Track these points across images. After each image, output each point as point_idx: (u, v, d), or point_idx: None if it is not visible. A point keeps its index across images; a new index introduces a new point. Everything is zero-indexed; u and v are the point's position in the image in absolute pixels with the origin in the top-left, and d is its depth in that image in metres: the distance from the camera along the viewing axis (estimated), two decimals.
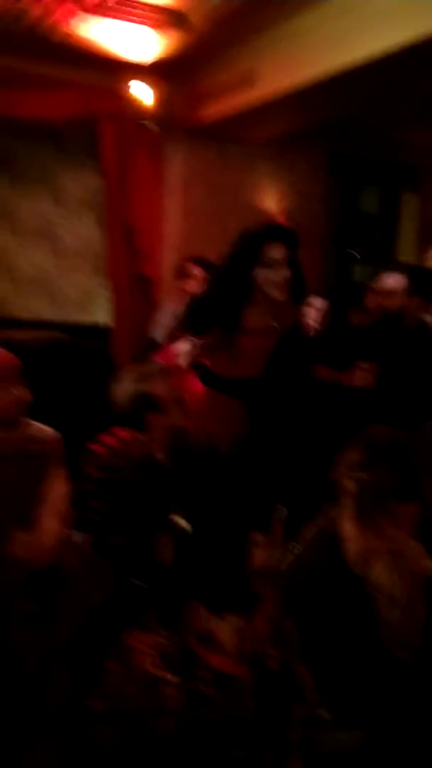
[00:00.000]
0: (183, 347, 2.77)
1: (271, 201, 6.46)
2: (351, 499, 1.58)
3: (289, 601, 1.50)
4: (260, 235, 2.74)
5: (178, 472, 2.35)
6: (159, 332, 4.43)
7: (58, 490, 1.33)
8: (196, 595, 1.28)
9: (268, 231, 2.80)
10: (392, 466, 1.56)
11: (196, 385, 3.00)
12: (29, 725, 1.21)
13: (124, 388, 2.32)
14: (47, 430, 2.22)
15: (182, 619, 1.26)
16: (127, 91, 5.30)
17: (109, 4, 4.04)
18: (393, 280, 2.87)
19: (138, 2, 4.02)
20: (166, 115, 5.48)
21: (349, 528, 1.60)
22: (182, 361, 2.73)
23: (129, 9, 4.09)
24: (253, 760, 1.30)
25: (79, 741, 1.19)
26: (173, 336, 4.58)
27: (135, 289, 5.82)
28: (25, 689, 1.21)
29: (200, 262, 4.38)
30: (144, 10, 4.11)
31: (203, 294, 2.97)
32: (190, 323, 2.94)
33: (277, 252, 2.68)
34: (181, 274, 4.44)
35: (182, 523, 1.26)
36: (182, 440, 2.46)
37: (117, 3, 4.02)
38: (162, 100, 5.38)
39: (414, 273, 2.91)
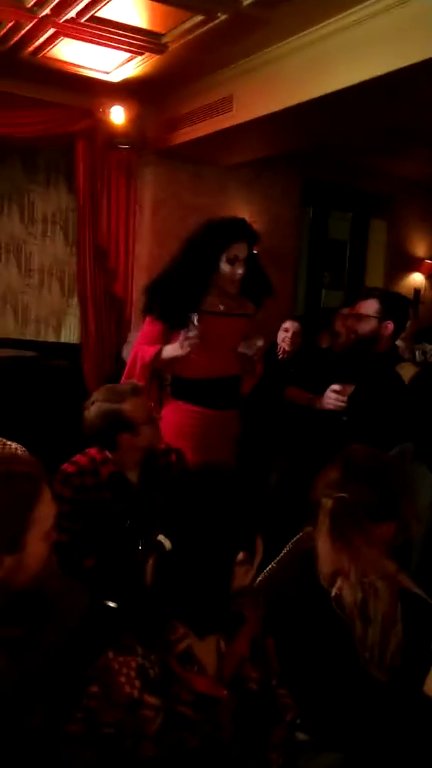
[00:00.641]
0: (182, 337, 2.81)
1: None
2: (326, 517, 1.58)
3: (267, 620, 1.49)
4: (228, 232, 2.85)
5: (149, 492, 2.33)
6: (129, 352, 4.41)
7: (45, 512, 1.30)
8: (177, 615, 1.26)
9: (236, 229, 2.89)
10: (370, 485, 1.56)
11: (168, 405, 3.01)
12: (7, 751, 1.17)
13: (95, 407, 2.29)
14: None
15: (162, 640, 1.23)
16: (102, 112, 5.32)
17: (85, 26, 4.06)
18: (367, 305, 2.90)
19: (114, 23, 4.05)
20: (139, 137, 5.51)
21: (322, 546, 1.59)
22: (185, 348, 2.78)
23: (105, 30, 4.11)
24: None
25: (56, 766, 1.15)
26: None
27: (105, 309, 5.81)
28: (2, 715, 1.17)
29: None
30: (120, 32, 4.14)
31: (161, 278, 3.00)
32: (150, 307, 2.99)
33: (241, 250, 2.84)
34: None
35: (164, 541, 1.24)
36: (154, 460, 2.44)
37: (93, 24, 4.04)
38: (136, 122, 5.41)
39: (387, 298, 2.96)
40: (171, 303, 2.88)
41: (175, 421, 2.93)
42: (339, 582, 1.58)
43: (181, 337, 2.79)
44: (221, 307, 2.95)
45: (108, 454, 2.34)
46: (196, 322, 2.77)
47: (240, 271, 2.85)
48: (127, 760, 1.14)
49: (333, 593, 1.57)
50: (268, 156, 5.76)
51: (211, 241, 2.85)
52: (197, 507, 1.27)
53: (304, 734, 1.43)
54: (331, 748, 1.39)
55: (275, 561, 1.86)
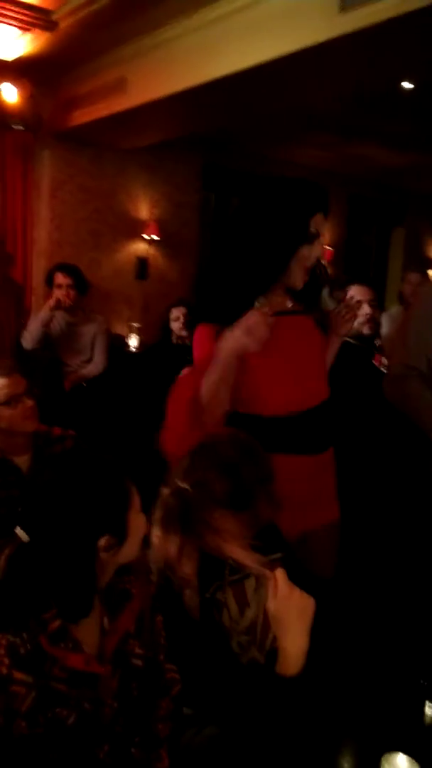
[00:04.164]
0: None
1: (144, 209, 6.48)
2: (160, 506, 1.51)
3: (157, 596, 1.48)
4: (311, 201, 1.91)
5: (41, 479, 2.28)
6: (27, 338, 4.32)
7: None
8: (50, 597, 1.23)
9: (317, 196, 1.93)
10: (220, 474, 1.48)
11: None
12: None
13: None
14: None
15: (35, 618, 1.20)
16: None
17: None
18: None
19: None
20: (34, 118, 5.35)
21: (154, 534, 1.52)
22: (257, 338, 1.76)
23: None
24: (119, 758, 1.28)
25: None
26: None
27: (2, 295, 5.63)
28: None
29: (67, 269, 4.33)
30: (7, 7, 4.01)
31: (216, 275, 2.03)
32: (208, 311, 1.99)
33: (320, 224, 1.94)
34: (49, 281, 4.37)
35: (20, 534, 1.21)
36: (48, 446, 2.39)
37: None
38: (30, 102, 5.26)
39: None
40: (236, 301, 1.90)
41: None
42: (169, 568, 1.54)
43: (249, 319, 1.78)
44: (289, 305, 2.05)
45: None
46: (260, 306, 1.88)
47: (318, 252, 1.95)
48: (1, 738, 1.12)
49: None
50: (167, 140, 5.73)
51: (294, 215, 1.89)
52: (51, 496, 1.24)
53: (189, 708, 1.43)
54: (211, 723, 1.40)
55: None
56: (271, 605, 1.36)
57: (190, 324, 4.30)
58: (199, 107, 4.57)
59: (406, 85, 4.49)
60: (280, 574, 1.38)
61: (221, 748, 1.33)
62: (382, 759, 1.23)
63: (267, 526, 1.67)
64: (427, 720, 1.34)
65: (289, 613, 1.35)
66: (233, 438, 1.58)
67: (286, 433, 1.92)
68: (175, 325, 4.46)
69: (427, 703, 1.35)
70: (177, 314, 4.46)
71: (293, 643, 1.34)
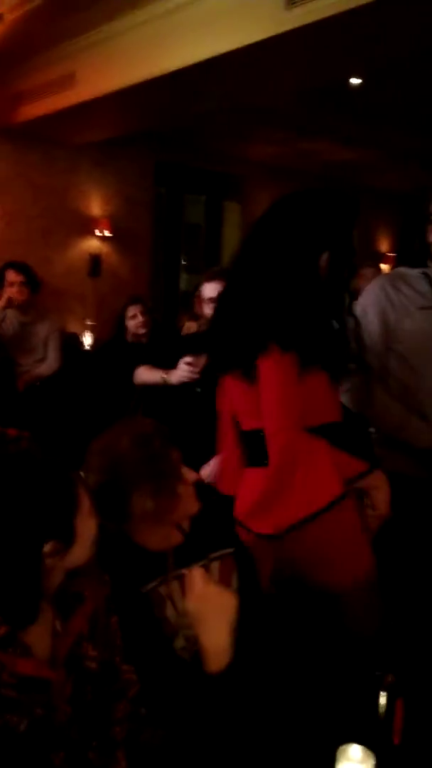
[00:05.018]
0: None
1: (96, 205, 6.42)
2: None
3: (112, 597, 1.46)
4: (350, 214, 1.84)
5: None
6: None
7: None
8: None
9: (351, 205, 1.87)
10: (100, 473, 1.45)
11: None
12: None
13: None
14: None
15: None
16: None
17: None
18: (211, 288, 2.91)
19: None
20: None
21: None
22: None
23: None
24: (76, 763, 1.26)
25: None
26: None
27: None
28: None
29: (18, 266, 4.26)
30: None
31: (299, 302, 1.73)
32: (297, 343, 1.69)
33: None
34: (0, 279, 4.29)
35: None
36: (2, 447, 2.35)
37: None
38: None
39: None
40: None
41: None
42: None
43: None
44: None
45: None
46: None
47: None
48: None
49: None
50: (118, 136, 5.69)
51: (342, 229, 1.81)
52: None
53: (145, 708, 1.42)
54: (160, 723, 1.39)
55: None
56: (188, 603, 1.36)
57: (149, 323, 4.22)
58: (148, 102, 4.55)
59: (354, 81, 4.54)
60: (196, 571, 1.38)
61: (173, 747, 1.32)
62: (338, 751, 1.24)
63: (223, 520, 1.67)
64: (381, 711, 1.36)
65: (207, 610, 1.34)
66: (117, 439, 1.50)
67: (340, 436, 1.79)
68: (132, 323, 4.39)
69: (381, 693, 1.36)
70: (134, 312, 4.39)
71: (212, 640, 1.34)
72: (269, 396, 1.67)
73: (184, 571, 1.40)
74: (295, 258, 1.73)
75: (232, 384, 1.83)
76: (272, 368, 1.67)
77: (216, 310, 1.91)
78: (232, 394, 1.86)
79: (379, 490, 1.74)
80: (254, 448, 1.79)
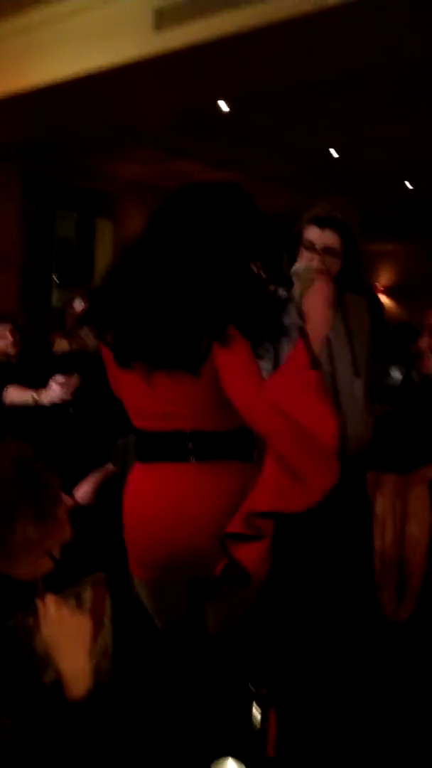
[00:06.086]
0: None
1: None
2: None
3: None
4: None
5: None
6: None
7: None
8: None
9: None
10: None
11: None
12: None
13: None
14: None
15: None
16: None
17: None
18: (79, 304, 2.89)
19: None
20: None
21: None
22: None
23: None
24: None
25: None
26: None
27: None
28: None
29: None
30: None
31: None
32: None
33: None
34: None
35: None
36: None
37: None
38: None
39: None
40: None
41: None
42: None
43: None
44: None
45: None
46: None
47: None
48: None
49: None
50: None
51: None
52: None
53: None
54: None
55: None
56: (42, 629, 1.33)
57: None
58: (14, 116, 4.44)
59: (223, 105, 4.66)
60: (48, 599, 1.35)
61: None
62: (212, 765, 1.24)
63: (96, 544, 1.64)
64: (256, 724, 1.37)
65: (61, 635, 1.32)
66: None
67: None
68: (1, 343, 4.23)
69: (255, 706, 1.38)
70: (2, 331, 4.25)
71: (69, 665, 1.31)
72: (240, 374, 1.55)
73: (38, 599, 1.35)
74: (218, 248, 1.68)
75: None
76: (238, 348, 1.56)
77: (121, 313, 1.65)
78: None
79: None
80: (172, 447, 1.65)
